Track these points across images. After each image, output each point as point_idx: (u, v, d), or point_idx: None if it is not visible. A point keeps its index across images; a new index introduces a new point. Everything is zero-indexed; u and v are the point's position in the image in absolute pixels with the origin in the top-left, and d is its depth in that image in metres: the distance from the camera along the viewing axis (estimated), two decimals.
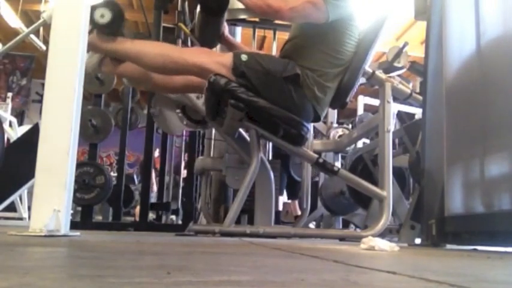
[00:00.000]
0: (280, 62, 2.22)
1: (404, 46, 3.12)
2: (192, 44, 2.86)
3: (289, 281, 0.66)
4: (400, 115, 4.37)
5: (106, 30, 2.18)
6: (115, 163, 9.86)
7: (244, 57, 2.17)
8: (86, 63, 2.11)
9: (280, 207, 4.72)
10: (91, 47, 2.21)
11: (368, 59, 2.40)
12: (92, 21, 2.10)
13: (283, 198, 4.97)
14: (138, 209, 4.91)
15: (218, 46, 2.85)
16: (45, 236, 1.49)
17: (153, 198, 4.99)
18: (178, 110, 2.71)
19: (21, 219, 4.71)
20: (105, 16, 2.14)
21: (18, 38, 2.70)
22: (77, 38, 1.69)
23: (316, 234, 2.74)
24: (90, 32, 2.05)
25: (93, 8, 2.09)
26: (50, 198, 1.56)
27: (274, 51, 3.15)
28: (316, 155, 2.38)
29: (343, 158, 3.91)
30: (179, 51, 2.26)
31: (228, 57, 2.18)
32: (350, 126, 4.63)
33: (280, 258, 1.12)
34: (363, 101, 5.33)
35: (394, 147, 2.66)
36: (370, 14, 2.46)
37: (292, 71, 2.19)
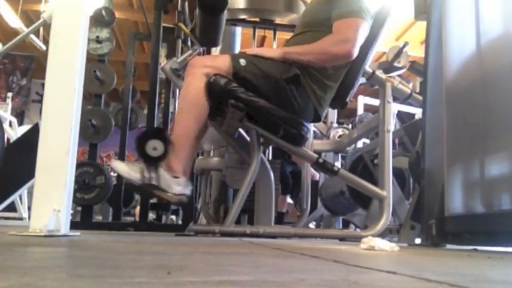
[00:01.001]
0: (278, 65, 2.21)
1: (404, 46, 3.12)
2: (192, 44, 2.86)
3: (289, 281, 0.66)
4: (400, 115, 4.37)
5: (157, 161, 2.03)
6: None
7: (242, 61, 2.16)
8: (126, 172, 1.98)
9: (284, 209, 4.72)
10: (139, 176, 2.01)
11: (368, 59, 2.40)
12: (143, 154, 2.02)
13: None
14: (138, 209, 4.90)
15: (218, 47, 2.85)
16: (45, 236, 1.49)
17: None
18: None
19: (21, 219, 4.71)
20: (157, 149, 2.03)
21: (18, 38, 2.70)
22: (77, 38, 1.69)
23: (316, 234, 2.74)
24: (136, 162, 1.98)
25: (143, 141, 2.02)
26: (50, 198, 1.56)
27: None
28: (316, 155, 2.38)
29: (343, 158, 3.91)
30: (193, 95, 2.12)
31: (225, 61, 2.16)
32: (350, 126, 4.63)
33: (280, 258, 1.12)
34: (363, 101, 5.34)
35: (394, 147, 2.66)
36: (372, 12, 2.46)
37: (291, 72, 2.19)
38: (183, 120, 2.12)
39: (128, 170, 1.97)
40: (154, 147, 2.04)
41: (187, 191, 2.09)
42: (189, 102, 2.11)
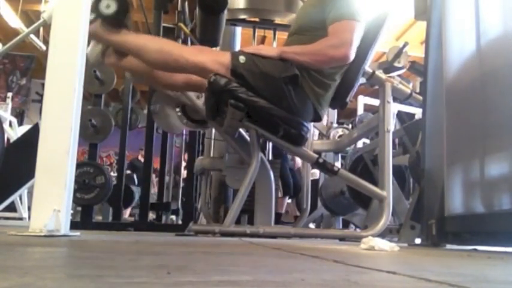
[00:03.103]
0: (278, 64, 2.21)
1: (404, 46, 3.13)
2: (192, 44, 2.86)
3: (289, 281, 0.66)
4: (400, 115, 4.37)
5: (110, 21, 2.12)
6: (115, 163, 9.87)
7: (242, 58, 2.16)
8: (88, 52, 2.08)
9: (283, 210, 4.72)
10: (93, 37, 2.16)
11: (368, 59, 2.40)
12: (97, 10, 2.07)
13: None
14: (128, 210, 4.86)
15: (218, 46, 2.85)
16: (45, 236, 1.49)
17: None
18: (178, 109, 2.69)
19: (21, 219, 4.71)
20: (110, 7, 2.09)
21: (18, 38, 2.70)
22: (77, 38, 1.69)
23: (316, 234, 2.74)
24: (92, 21, 2.01)
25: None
26: (50, 198, 1.56)
27: None
28: (316, 155, 2.38)
29: (343, 158, 3.91)
30: (180, 49, 2.23)
31: (226, 57, 2.17)
32: (350, 126, 4.63)
33: (280, 258, 1.12)
34: (363, 101, 5.34)
35: (394, 147, 2.66)
36: (370, 13, 2.46)
37: (290, 72, 2.19)
38: (144, 41, 2.21)
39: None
40: (108, 4, 2.09)
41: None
42: (164, 49, 2.16)
